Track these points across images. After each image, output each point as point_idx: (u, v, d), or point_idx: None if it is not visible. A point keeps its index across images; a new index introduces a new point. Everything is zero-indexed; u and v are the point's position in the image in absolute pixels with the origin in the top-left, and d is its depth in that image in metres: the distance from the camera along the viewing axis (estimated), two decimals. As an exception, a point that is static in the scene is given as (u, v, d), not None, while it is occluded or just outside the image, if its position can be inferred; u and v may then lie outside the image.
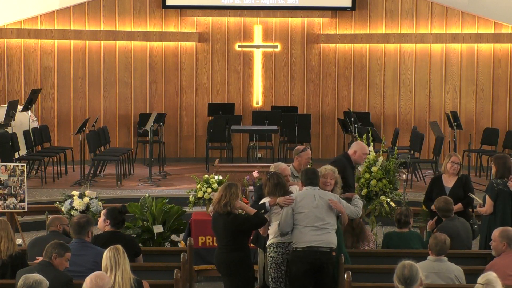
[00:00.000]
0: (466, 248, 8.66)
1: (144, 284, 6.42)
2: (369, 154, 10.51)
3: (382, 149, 10.84)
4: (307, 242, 7.70)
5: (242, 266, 7.75)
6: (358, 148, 9.36)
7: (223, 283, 8.02)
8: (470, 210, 9.59)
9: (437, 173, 14.97)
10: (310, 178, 8.00)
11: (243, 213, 7.90)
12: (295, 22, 17.54)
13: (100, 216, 8.24)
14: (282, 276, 8.02)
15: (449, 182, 9.53)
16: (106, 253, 6.30)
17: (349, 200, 8.38)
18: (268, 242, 8.07)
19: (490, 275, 5.97)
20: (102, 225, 7.95)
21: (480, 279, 5.96)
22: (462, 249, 8.45)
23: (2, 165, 10.19)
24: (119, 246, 6.34)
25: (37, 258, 7.34)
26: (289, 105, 17.51)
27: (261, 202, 8.11)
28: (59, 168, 15.30)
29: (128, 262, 6.31)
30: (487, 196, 9.14)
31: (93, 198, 9.84)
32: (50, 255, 6.65)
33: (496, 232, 7.49)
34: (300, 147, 9.57)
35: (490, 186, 9.16)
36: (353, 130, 15.42)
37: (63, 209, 9.76)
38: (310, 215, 7.75)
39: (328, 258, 7.73)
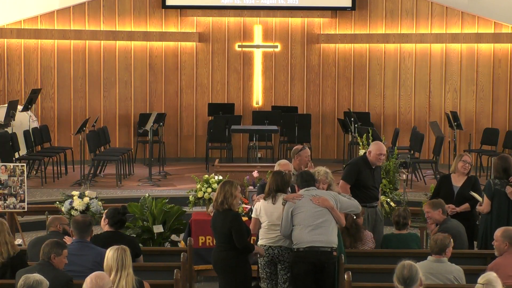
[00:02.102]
0: (466, 248, 8.66)
1: (145, 284, 6.41)
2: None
3: (382, 149, 10.84)
4: (307, 242, 7.70)
5: (239, 265, 7.76)
6: (373, 148, 9.34)
7: (219, 282, 8.01)
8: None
9: (437, 173, 14.99)
10: (307, 180, 8.02)
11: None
12: (295, 22, 17.54)
13: (101, 216, 8.27)
14: (268, 278, 8.04)
15: (458, 181, 9.53)
16: (113, 254, 6.22)
17: None
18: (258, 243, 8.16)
19: (490, 275, 5.97)
20: (102, 224, 7.97)
21: (480, 279, 5.96)
22: (462, 248, 8.45)
23: (2, 165, 10.19)
24: (126, 248, 6.29)
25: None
26: (289, 105, 17.51)
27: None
28: (59, 168, 15.30)
29: (131, 264, 6.31)
30: (484, 195, 9.17)
31: (93, 198, 9.84)
32: (48, 255, 6.64)
33: (498, 232, 7.50)
34: (298, 146, 9.56)
35: (487, 186, 9.18)
36: (353, 130, 15.43)
37: (63, 209, 9.77)
38: (308, 214, 7.75)
39: (330, 258, 7.72)
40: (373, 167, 9.28)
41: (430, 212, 8.71)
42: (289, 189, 8.22)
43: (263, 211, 8.08)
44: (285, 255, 7.98)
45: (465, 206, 9.32)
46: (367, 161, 9.26)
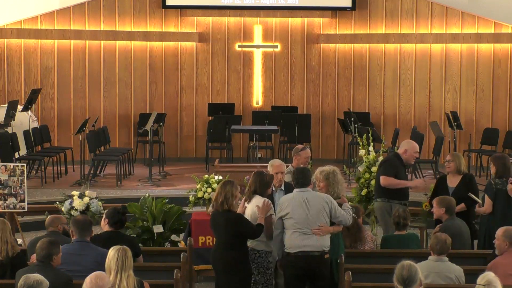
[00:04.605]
0: (467, 248, 8.66)
1: (144, 284, 6.41)
2: (369, 154, 10.54)
3: (382, 149, 10.86)
4: (297, 247, 7.65)
5: (240, 265, 7.75)
6: (409, 147, 9.41)
7: (216, 282, 7.99)
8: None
9: (437, 173, 14.99)
10: (297, 179, 7.88)
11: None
12: (295, 22, 17.54)
13: (101, 217, 8.27)
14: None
15: (452, 182, 9.53)
16: (114, 254, 6.21)
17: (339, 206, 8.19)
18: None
19: (489, 275, 5.97)
20: (102, 224, 7.97)
21: (481, 280, 5.95)
22: (464, 248, 8.45)
23: (2, 165, 10.19)
24: (127, 249, 6.29)
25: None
26: (289, 105, 17.51)
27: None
28: (59, 168, 15.30)
29: (132, 265, 6.30)
30: (486, 195, 9.14)
31: (93, 198, 9.83)
32: (50, 257, 6.62)
33: (500, 231, 7.51)
34: (299, 146, 9.60)
35: (489, 186, 9.16)
36: (353, 130, 15.42)
37: (63, 209, 9.76)
38: (299, 220, 7.66)
39: (320, 262, 7.67)
40: (405, 165, 9.40)
41: (435, 208, 8.75)
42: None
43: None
44: (253, 256, 7.97)
45: (461, 207, 9.29)
46: (400, 159, 9.36)
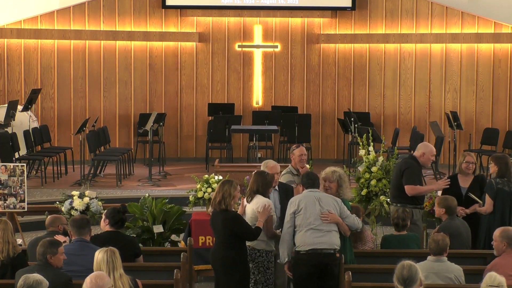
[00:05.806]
0: (467, 247, 8.65)
1: (138, 282, 6.41)
2: (369, 154, 10.54)
3: (382, 149, 10.84)
4: (310, 244, 7.65)
5: (240, 264, 7.76)
6: (427, 150, 9.35)
7: (215, 281, 7.99)
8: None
9: (437, 173, 14.99)
10: (307, 181, 7.96)
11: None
12: (295, 22, 17.54)
13: (101, 216, 8.26)
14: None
15: (465, 182, 9.46)
16: (102, 256, 6.20)
17: None
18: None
19: (499, 277, 5.95)
20: (102, 224, 7.96)
21: (493, 281, 5.92)
22: (463, 248, 8.45)
23: (2, 165, 10.18)
24: (115, 249, 6.29)
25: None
26: (289, 105, 17.51)
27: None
28: (59, 168, 15.30)
29: (122, 264, 6.28)
30: (486, 195, 9.13)
31: (93, 198, 9.83)
32: (45, 256, 6.62)
33: (497, 232, 7.51)
34: (294, 145, 9.65)
35: (489, 185, 9.14)
36: (353, 130, 15.43)
37: (63, 209, 9.76)
38: (311, 217, 7.71)
39: (332, 260, 7.68)
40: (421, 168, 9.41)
41: (436, 207, 8.76)
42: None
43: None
44: (253, 255, 7.99)
45: (474, 207, 9.28)
46: (418, 162, 9.30)
